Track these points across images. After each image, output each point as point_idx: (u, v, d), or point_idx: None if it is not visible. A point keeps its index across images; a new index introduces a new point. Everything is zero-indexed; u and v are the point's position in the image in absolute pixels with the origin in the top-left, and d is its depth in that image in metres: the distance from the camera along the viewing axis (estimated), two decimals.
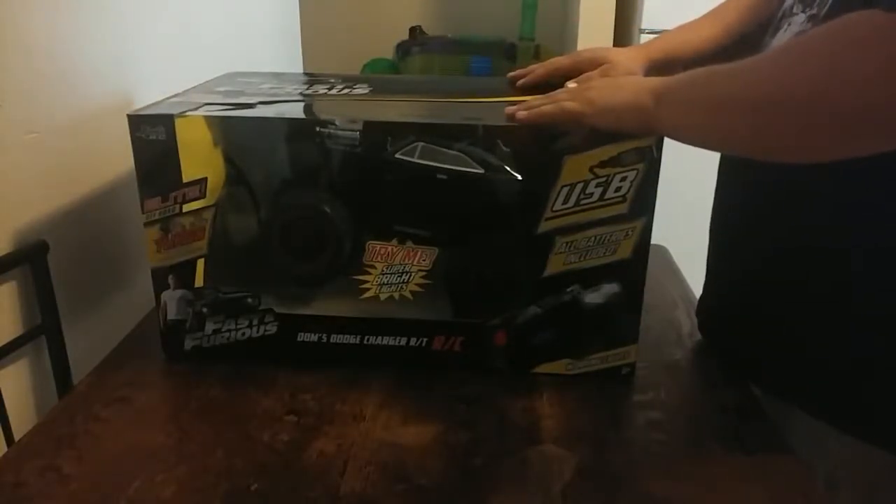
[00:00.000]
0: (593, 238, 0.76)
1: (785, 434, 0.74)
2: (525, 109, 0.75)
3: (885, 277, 0.66)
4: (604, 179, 0.74)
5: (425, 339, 0.82)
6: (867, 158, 0.54)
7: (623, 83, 0.72)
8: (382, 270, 0.79)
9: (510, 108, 0.76)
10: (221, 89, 0.89)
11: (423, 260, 0.78)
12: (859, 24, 0.51)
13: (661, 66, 0.87)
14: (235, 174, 0.78)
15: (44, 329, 0.90)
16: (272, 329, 0.83)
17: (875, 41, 0.50)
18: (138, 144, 0.76)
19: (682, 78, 0.65)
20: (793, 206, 0.71)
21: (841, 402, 0.71)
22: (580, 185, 0.74)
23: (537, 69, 0.91)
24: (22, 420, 0.86)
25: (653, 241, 0.77)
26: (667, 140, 0.70)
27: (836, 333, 0.70)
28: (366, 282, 0.80)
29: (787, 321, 0.74)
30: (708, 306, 0.90)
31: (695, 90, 0.64)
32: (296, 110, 0.83)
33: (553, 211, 0.75)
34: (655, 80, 0.68)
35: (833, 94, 0.52)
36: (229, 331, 0.83)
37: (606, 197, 0.75)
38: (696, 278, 1.01)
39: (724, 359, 0.84)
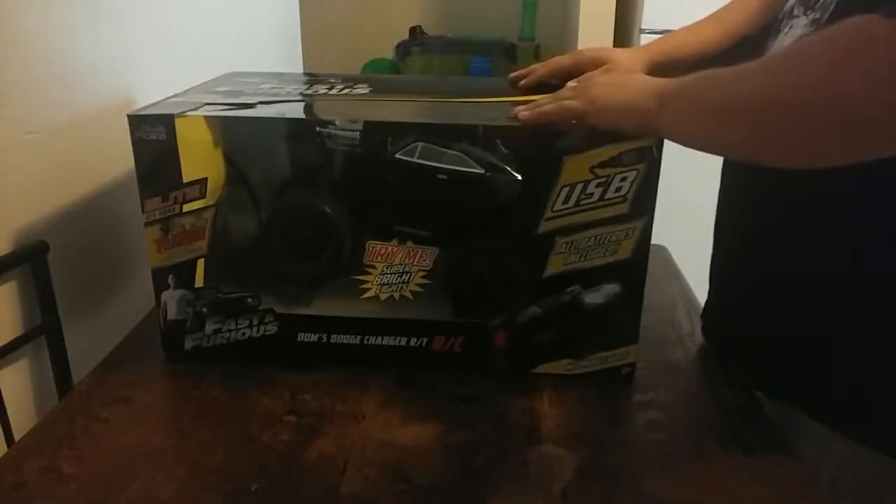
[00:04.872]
0: (593, 238, 0.76)
1: (787, 436, 0.74)
2: (527, 109, 0.75)
3: (889, 281, 0.66)
4: (604, 179, 0.74)
5: (425, 339, 0.82)
6: (868, 166, 0.53)
7: (626, 83, 0.72)
8: (382, 270, 0.79)
9: (514, 108, 0.76)
10: (221, 89, 0.89)
11: (423, 260, 0.78)
12: (860, 31, 0.51)
13: (661, 68, 0.86)
14: (235, 174, 0.78)
15: (44, 329, 0.90)
16: (272, 329, 0.83)
17: (875, 48, 0.49)
18: (138, 144, 0.76)
19: (684, 81, 0.65)
20: (795, 215, 0.71)
21: (845, 406, 0.71)
22: (580, 186, 0.74)
23: (538, 69, 0.91)
24: (22, 420, 0.86)
25: (653, 241, 0.77)
26: (667, 140, 0.70)
27: (839, 337, 0.70)
28: (366, 282, 0.80)
29: (790, 325, 0.74)
30: (712, 312, 0.90)
31: (697, 95, 0.64)
32: (296, 110, 0.83)
33: (553, 211, 0.75)
34: (658, 82, 0.68)
35: (834, 100, 0.52)
36: (229, 331, 0.83)
37: (607, 197, 0.75)
38: (696, 278, 1.01)
39: (728, 363, 0.84)
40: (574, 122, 0.73)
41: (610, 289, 0.78)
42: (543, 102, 0.75)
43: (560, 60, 0.90)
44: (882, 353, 0.68)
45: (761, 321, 0.77)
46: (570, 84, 0.80)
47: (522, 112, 0.75)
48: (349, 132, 0.75)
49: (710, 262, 0.87)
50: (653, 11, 1.87)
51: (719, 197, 0.84)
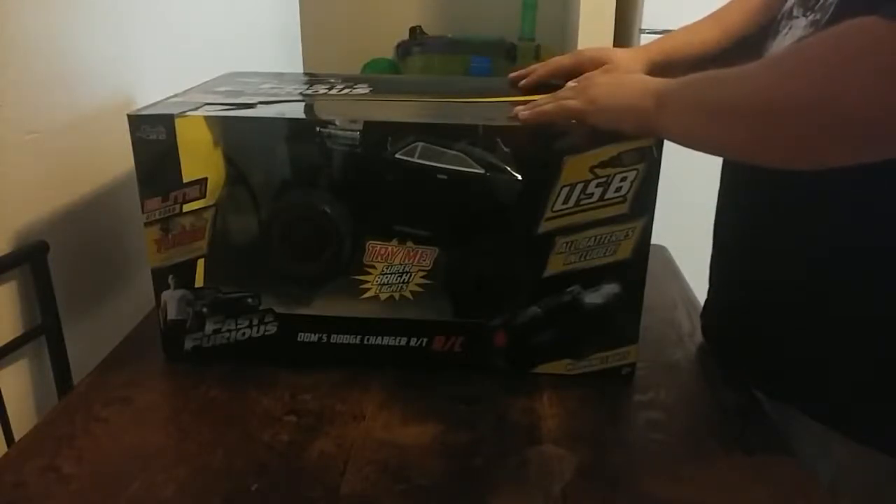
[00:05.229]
0: (593, 238, 0.76)
1: (787, 436, 0.74)
2: (527, 109, 0.75)
3: (889, 281, 0.66)
4: (604, 180, 0.74)
5: (425, 339, 0.82)
6: (868, 166, 0.53)
7: (626, 82, 0.72)
8: (382, 270, 0.79)
9: (514, 108, 0.76)
10: (221, 89, 0.89)
11: (423, 260, 0.78)
12: (860, 33, 0.51)
13: (661, 68, 0.86)
14: (235, 174, 0.78)
15: (44, 329, 0.90)
16: (272, 329, 0.83)
17: (876, 49, 0.49)
18: (138, 144, 0.76)
19: (683, 82, 0.65)
20: (795, 215, 0.71)
21: (845, 406, 0.71)
22: (580, 186, 0.74)
23: (538, 69, 0.91)
24: (22, 420, 0.86)
25: (653, 241, 0.77)
26: (667, 140, 0.70)
27: (839, 337, 0.70)
28: (366, 282, 0.80)
29: (790, 325, 0.74)
30: (712, 311, 0.90)
31: (696, 95, 0.64)
32: (296, 110, 0.83)
33: (553, 211, 0.75)
34: (658, 83, 0.68)
35: (834, 102, 0.52)
36: (229, 331, 0.83)
37: (607, 197, 0.75)
38: (696, 278, 1.01)
39: (727, 364, 0.84)
40: (574, 122, 0.73)
41: (610, 289, 0.78)
42: (543, 102, 0.75)
43: (560, 60, 0.90)
44: (882, 354, 0.68)
45: (761, 321, 0.77)
46: (570, 84, 0.80)
47: (522, 112, 0.75)
48: (349, 132, 0.75)
49: (709, 262, 0.87)
50: (653, 11, 1.87)
51: (719, 197, 0.84)
